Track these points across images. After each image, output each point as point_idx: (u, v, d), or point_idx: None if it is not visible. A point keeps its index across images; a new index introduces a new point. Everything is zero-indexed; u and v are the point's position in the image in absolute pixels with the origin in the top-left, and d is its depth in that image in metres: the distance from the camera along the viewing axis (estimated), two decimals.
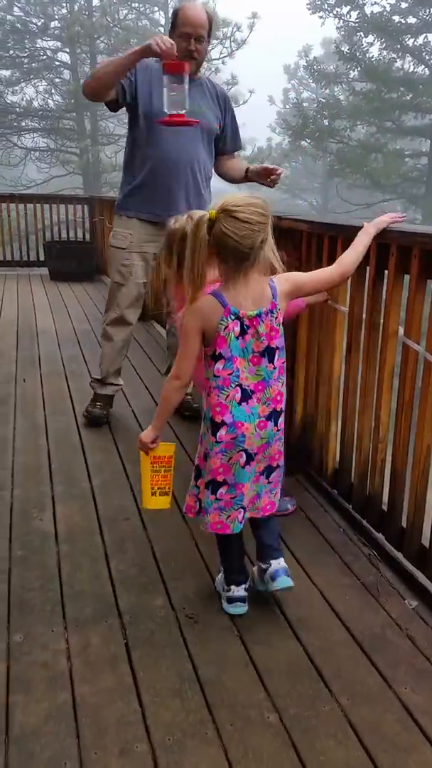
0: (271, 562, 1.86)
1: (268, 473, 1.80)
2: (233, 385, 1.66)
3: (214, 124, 3.01)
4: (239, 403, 1.67)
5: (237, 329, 1.62)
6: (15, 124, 18.40)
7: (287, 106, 22.64)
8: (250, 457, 1.72)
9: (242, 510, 1.78)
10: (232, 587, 1.87)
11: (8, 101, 18.60)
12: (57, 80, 19.24)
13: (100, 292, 6.79)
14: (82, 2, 19.82)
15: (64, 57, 19.49)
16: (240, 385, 1.66)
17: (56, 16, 19.28)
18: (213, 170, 3.16)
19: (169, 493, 1.90)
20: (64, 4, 19.62)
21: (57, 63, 19.47)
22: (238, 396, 1.67)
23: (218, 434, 1.68)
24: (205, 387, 1.71)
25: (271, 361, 1.68)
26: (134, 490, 2.57)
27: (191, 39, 2.78)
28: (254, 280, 1.63)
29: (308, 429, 2.64)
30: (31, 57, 18.95)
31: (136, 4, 22.83)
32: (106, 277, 7.92)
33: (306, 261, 2.51)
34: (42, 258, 8.21)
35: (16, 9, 19.19)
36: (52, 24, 18.88)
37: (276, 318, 1.66)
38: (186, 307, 1.65)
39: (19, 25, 18.47)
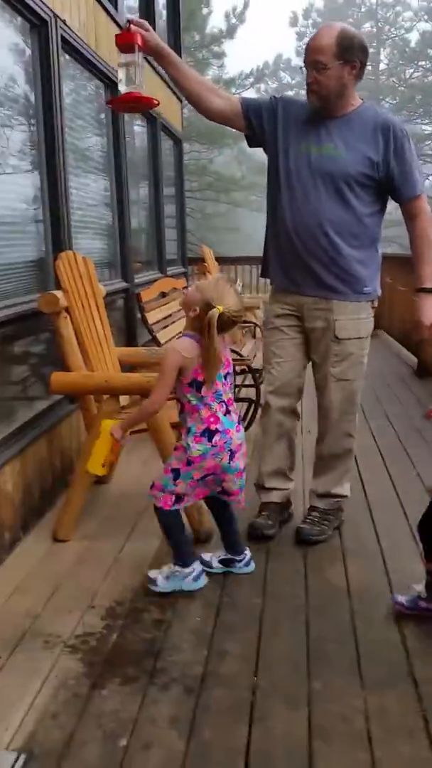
0: (245, 552, 2.44)
1: (243, 470, 2.31)
2: (218, 401, 2.18)
3: (354, 168, 2.39)
4: (225, 415, 2.20)
5: None
6: None
7: None
8: (232, 455, 2.22)
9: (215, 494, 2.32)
10: (193, 565, 2.31)
11: None
12: None
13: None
14: (369, 67, 20.54)
15: None
16: (223, 401, 2.20)
17: None
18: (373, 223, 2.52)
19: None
20: None
21: None
22: (224, 409, 2.20)
23: (214, 439, 2.17)
24: (187, 408, 2.19)
25: (227, 381, 2.24)
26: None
27: (309, 69, 2.36)
28: None
29: None
30: None
31: (423, 62, 22.98)
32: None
33: None
34: None
35: None
36: None
37: (227, 352, 2.24)
38: (169, 348, 2.21)
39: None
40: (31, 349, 3.11)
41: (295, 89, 23.55)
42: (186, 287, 5.21)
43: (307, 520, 2.73)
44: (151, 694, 1.81)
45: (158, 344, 3.90)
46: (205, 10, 19.77)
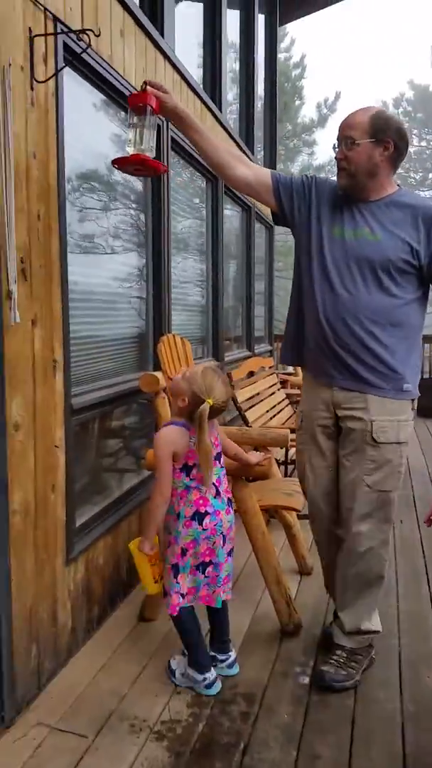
0: (230, 654, 2.34)
1: (230, 554, 2.26)
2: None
3: (395, 253, 2.16)
4: (214, 497, 2.18)
5: None
6: None
7: None
8: (224, 539, 2.20)
9: (221, 588, 2.22)
10: (207, 674, 2.20)
11: None
12: None
13: None
14: None
15: None
16: (212, 484, 2.17)
17: None
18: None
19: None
20: None
21: None
22: (213, 491, 2.18)
23: (204, 522, 2.15)
24: (175, 494, 2.17)
25: (219, 461, 2.24)
26: None
27: (340, 146, 2.21)
28: None
29: None
30: None
31: None
32: None
33: None
34: None
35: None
36: (430, 175, 20.34)
37: (216, 433, 2.26)
38: (158, 439, 2.15)
39: (398, 182, 20.36)
40: (126, 423, 3.22)
41: None
42: (267, 368, 5.26)
43: (332, 661, 2.31)
44: None
45: (246, 423, 3.94)
46: (297, 102, 20.76)
